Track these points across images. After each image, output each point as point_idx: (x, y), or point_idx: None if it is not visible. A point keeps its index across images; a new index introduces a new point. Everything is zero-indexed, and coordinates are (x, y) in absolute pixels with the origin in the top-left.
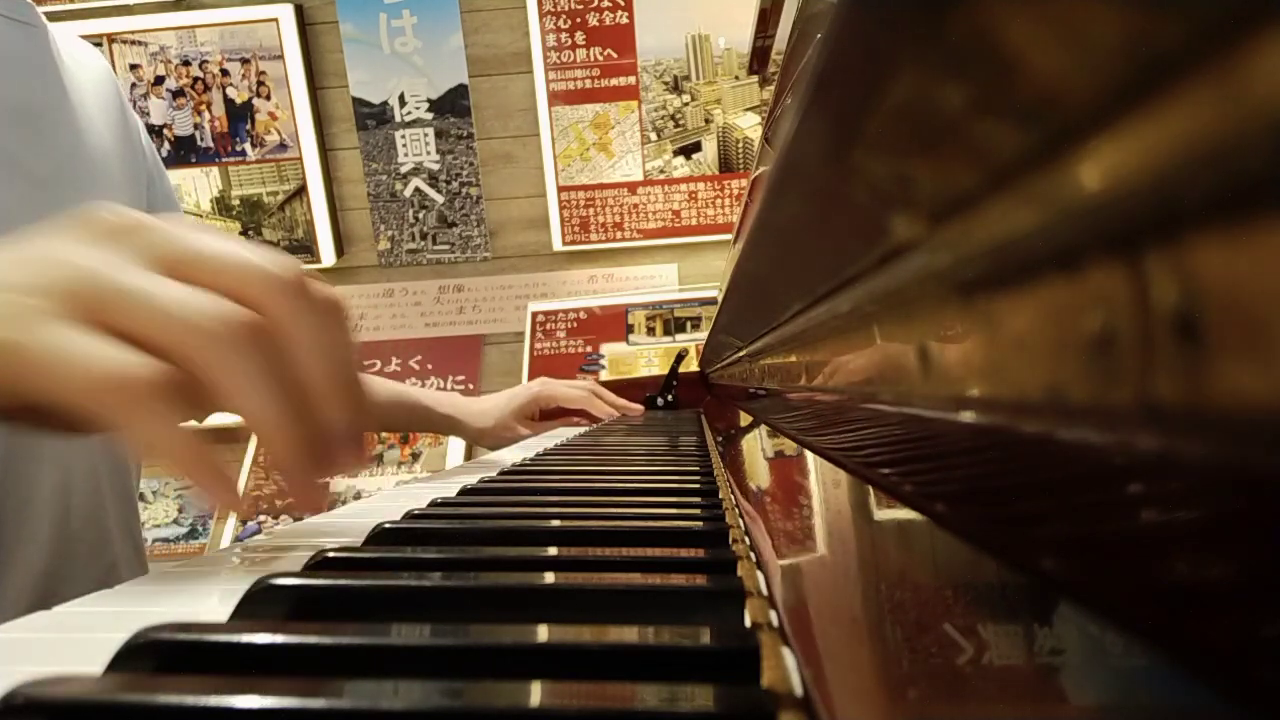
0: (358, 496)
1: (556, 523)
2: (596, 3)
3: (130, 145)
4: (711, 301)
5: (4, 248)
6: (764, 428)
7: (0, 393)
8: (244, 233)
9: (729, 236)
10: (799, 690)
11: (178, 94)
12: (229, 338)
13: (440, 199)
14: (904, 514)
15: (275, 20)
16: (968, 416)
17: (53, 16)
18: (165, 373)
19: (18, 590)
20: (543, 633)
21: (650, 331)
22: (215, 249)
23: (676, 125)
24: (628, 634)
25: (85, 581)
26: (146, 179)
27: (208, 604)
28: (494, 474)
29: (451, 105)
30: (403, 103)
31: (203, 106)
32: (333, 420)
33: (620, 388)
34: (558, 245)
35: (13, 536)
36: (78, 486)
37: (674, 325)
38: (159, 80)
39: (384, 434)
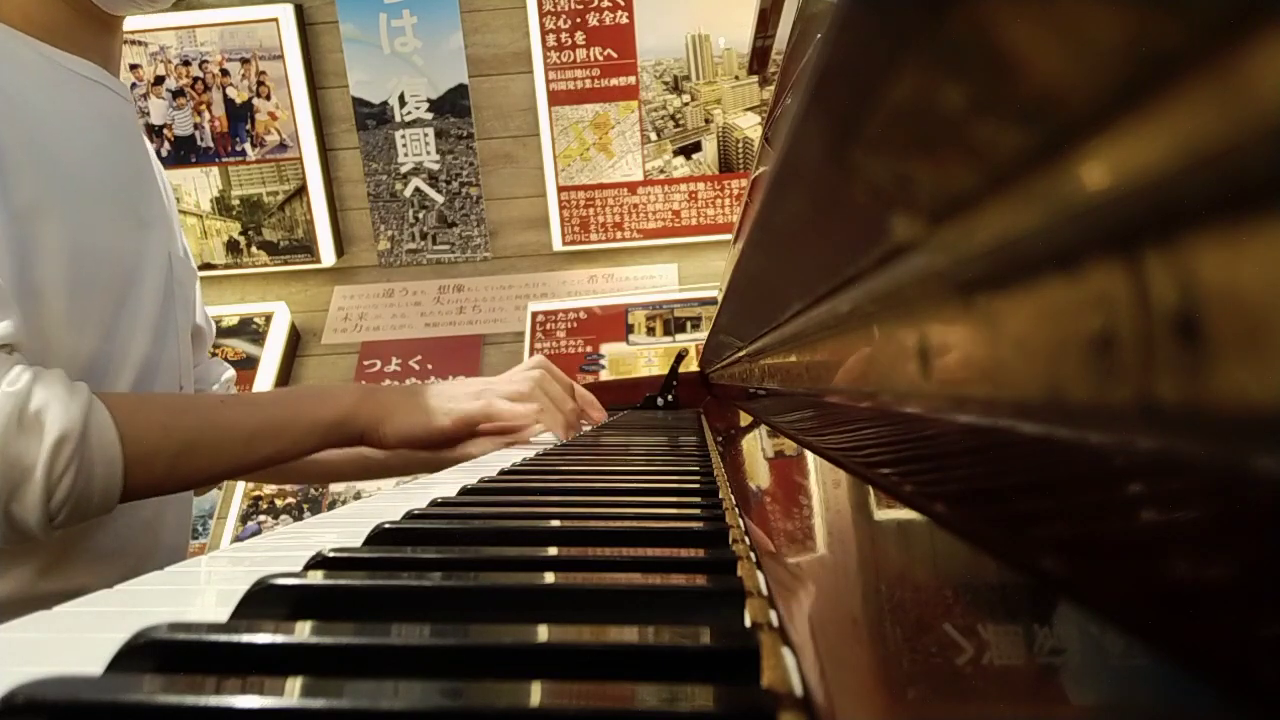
0: (357, 496)
1: (556, 523)
2: (596, 3)
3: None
4: (711, 301)
5: (475, 382)
6: (764, 428)
7: (468, 425)
8: (244, 232)
9: (729, 236)
10: (799, 690)
11: (177, 94)
12: (540, 398)
13: (440, 199)
14: (904, 514)
15: (275, 20)
16: (967, 417)
17: None
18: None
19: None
20: (543, 633)
21: (650, 331)
22: (525, 374)
23: (676, 125)
24: (628, 634)
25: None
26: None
27: (207, 604)
28: (494, 474)
29: (451, 105)
30: (403, 103)
31: (203, 106)
32: (573, 415)
33: (621, 388)
34: (558, 245)
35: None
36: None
37: (674, 325)
38: (159, 80)
39: None
